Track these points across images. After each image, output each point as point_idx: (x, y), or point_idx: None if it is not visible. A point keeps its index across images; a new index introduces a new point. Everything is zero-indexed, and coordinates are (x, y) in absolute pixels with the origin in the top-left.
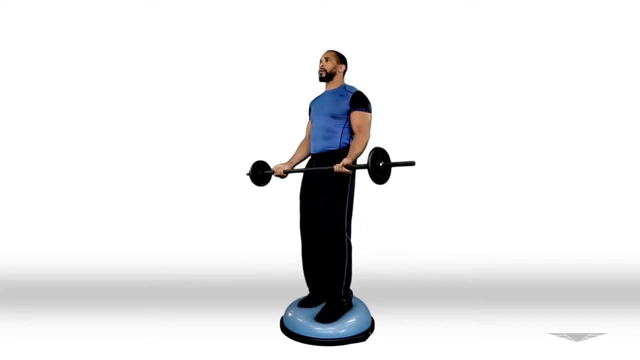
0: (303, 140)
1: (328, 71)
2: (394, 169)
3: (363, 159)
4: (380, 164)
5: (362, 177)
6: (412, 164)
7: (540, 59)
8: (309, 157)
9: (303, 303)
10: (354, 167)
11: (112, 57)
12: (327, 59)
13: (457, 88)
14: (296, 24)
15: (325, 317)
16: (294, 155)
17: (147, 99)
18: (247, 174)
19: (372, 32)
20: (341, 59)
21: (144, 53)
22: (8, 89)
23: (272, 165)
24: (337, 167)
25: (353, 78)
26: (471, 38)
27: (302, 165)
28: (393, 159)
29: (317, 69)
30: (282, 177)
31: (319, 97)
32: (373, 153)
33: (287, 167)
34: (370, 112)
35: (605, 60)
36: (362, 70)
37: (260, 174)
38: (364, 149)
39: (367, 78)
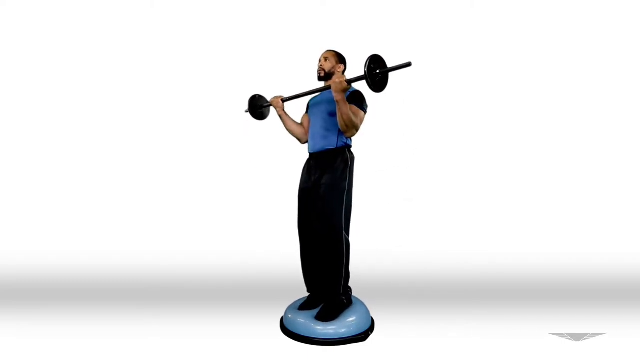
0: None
1: (327, 71)
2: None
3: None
4: (377, 71)
5: (361, 176)
6: (408, 65)
7: (540, 58)
8: (308, 158)
9: (303, 307)
10: (351, 80)
11: (112, 57)
12: (326, 59)
13: (457, 88)
14: (296, 23)
15: (325, 316)
16: None
17: (147, 98)
18: (246, 111)
19: (372, 32)
20: (340, 59)
21: (144, 53)
22: (8, 89)
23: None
24: (336, 81)
25: (351, 77)
26: (471, 38)
27: (300, 164)
28: (393, 164)
29: (316, 68)
30: (281, 108)
31: (317, 96)
32: (369, 60)
33: (284, 97)
34: (365, 112)
35: (605, 60)
36: (362, 70)
37: (259, 106)
38: (348, 121)
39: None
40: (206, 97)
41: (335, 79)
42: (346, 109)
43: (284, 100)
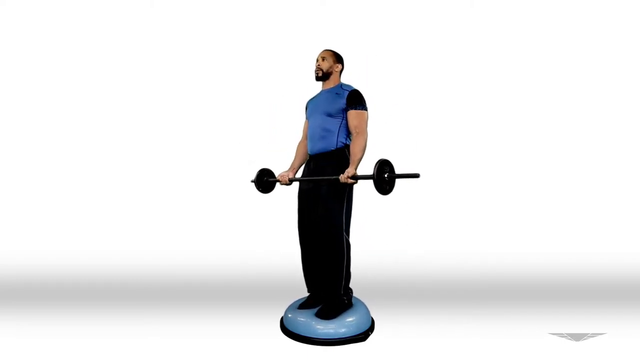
0: (300, 142)
1: (324, 70)
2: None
3: (366, 165)
4: (386, 175)
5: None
6: (416, 176)
7: (540, 59)
8: (307, 159)
9: (303, 306)
10: (359, 177)
11: (112, 57)
12: (323, 59)
13: (457, 88)
14: (296, 23)
15: (325, 314)
16: (294, 159)
17: (147, 99)
18: (252, 181)
19: (372, 32)
20: (337, 58)
21: (143, 53)
22: (8, 89)
23: (276, 173)
24: (343, 178)
25: (352, 78)
26: (471, 38)
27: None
28: (393, 162)
29: (314, 68)
30: (287, 185)
31: (315, 96)
32: (379, 165)
33: (291, 175)
34: (367, 110)
35: (605, 60)
36: (362, 70)
37: (266, 180)
38: (364, 152)
39: (367, 78)
40: (206, 97)
41: (342, 177)
42: (360, 156)
43: (291, 180)
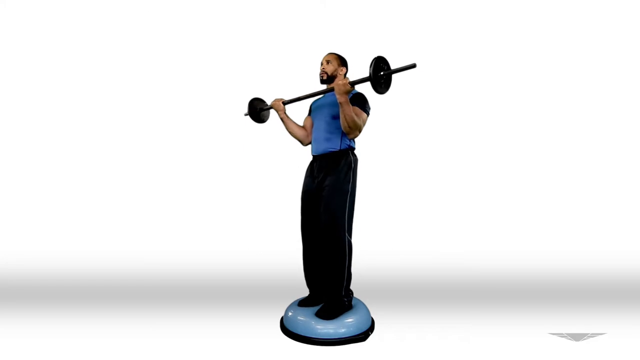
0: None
1: (329, 74)
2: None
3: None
4: (382, 73)
5: (363, 176)
6: (413, 66)
7: (539, 58)
8: (311, 160)
9: (303, 303)
10: (354, 82)
11: (112, 56)
12: (328, 62)
13: (458, 88)
14: (298, 25)
15: (325, 314)
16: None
17: (147, 99)
18: (246, 114)
19: (374, 33)
20: (342, 62)
21: (143, 53)
22: (8, 89)
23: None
24: (341, 84)
25: (352, 78)
26: (471, 38)
27: (304, 167)
28: (396, 164)
29: (319, 71)
30: (281, 110)
31: (320, 98)
32: (375, 61)
33: (285, 99)
34: (368, 114)
35: (605, 60)
36: (364, 71)
37: (259, 110)
38: (352, 122)
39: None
40: (209, 98)
41: (339, 81)
42: (349, 111)
43: (285, 102)
